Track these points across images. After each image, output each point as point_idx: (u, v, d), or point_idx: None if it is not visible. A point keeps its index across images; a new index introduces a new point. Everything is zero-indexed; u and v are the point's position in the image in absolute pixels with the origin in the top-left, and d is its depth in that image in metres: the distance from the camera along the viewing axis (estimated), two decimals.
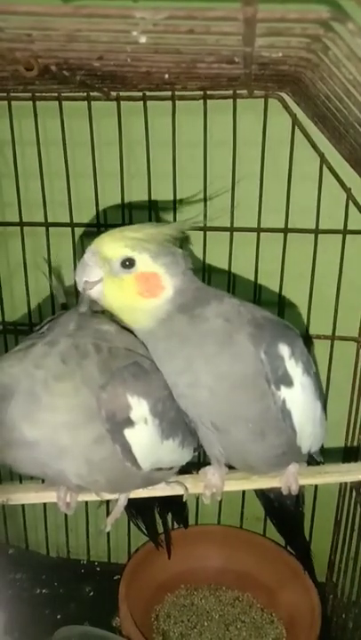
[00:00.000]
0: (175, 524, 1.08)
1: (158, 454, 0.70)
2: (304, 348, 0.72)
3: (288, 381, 0.67)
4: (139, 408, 0.65)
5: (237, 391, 0.66)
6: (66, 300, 0.87)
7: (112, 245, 0.65)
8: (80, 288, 0.67)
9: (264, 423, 0.68)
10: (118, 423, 0.64)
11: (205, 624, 1.12)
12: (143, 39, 0.48)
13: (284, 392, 0.67)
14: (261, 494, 0.94)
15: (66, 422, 0.63)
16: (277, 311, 1.03)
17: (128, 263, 0.64)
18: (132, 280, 0.65)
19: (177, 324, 0.66)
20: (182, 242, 0.71)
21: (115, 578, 1.17)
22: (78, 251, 1.06)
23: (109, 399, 0.63)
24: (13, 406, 0.61)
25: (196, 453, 0.81)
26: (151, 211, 1.02)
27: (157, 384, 0.68)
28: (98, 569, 1.32)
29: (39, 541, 1.33)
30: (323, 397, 0.77)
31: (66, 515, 1.08)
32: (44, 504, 1.14)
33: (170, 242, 0.67)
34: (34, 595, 1.25)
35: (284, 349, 0.67)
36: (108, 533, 1.24)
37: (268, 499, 0.93)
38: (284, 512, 0.93)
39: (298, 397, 0.69)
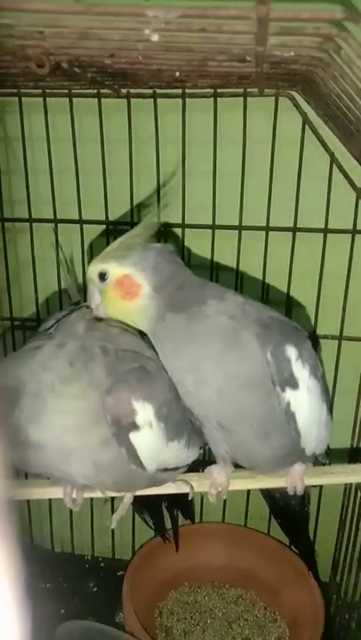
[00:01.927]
0: (182, 519, 1.08)
1: (164, 456, 0.70)
2: (312, 350, 0.71)
3: (294, 383, 0.67)
4: (144, 412, 0.65)
5: (244, 391, 0.66)
6: (79, 298, 0.87)
7: (92, 268, 0.71)
8: (95, 314, 0.73)
9: (269, 424, 0.68)
10: (124, 427, 0.64)
11: (208, 621, 1.13)
12: (155, 37, 0.48)
13: (288, 394, 0.67)
14: (267, 494, 0.94)
15: (73, 425, 0.63)
16: (285, 310, 1.02)
17: (102, 276, 0.70)
18: (110, 288, 0.70)
19: (174, 323, 0.67)
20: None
21: (119, 574, 1.18)
22: (87, 248, 1.06)
23: (115, 404, 0.63)
24: (20, 409, 0.62)
25: (202, 451, 0.81)
26: (160, 208, 1.02)
27: (162, 387, 0.68)
28: (102, 564, 1.33)
29: (44, 536, 1.33)
30: (329, 400, 0.77)
31: (71, 510, 1.09)
32: (50, 499, 1.15)
33: (143, 243, 0.71)
34: (38, 589, 1.25)
35: (291, 351, 0.67)
36: (113, 529, 1.25)
37: (274, 498, 0.93)
38: (290, 512, 0.93)
39: (303, 400, 0.68)
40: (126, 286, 0.68)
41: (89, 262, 0.74)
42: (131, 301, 0.69)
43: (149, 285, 0.68)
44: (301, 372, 0.68)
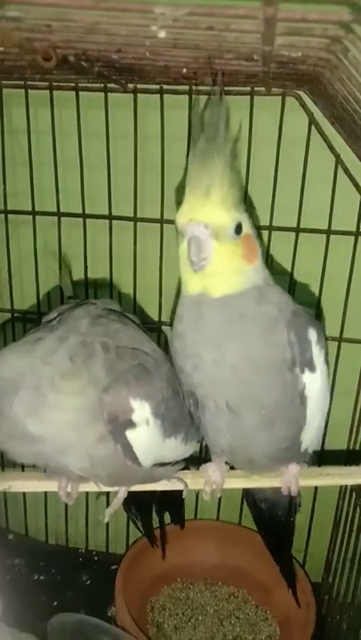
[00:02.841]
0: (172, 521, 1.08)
1: (160, 452, 0.71)
2: (325, 341, 0.73)
3: (312, 366, 0.68)
4: (141, 410, 0.65)
5: (261, 376, 0.66)
6: (73, 293, 0.86)
7: (224, 212, 0.61)
8: (197, 267, 0.63)
9: (277, 411, 0.68)
10: (120, 425, 0.64)
11: (200, 618, 1.13)
12: (162, 34, 0.48)
13: (306, 376, 0.68)
14: (253, 504, 0.93)
15: (71, 422, 0.63)
16: None
17: (239, 229, 0.63)
18: (240, 243, 0.63)
19: (246, 301, 0.65)
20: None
21: (112, 568, 1.18)
22: (89, 242, 1.06)
23: (112, 402, 0.63)
24: (18, 401, 0.61)
25: (198, 449, 0.81)
26: (163, 204, 1.02)
27: (161, 385, 0.68)
28: (96, 558, 1.33)
29: (39, 528, 1.34)
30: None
31: (66, 503, 1.09)
32: (45, 492, 1.15)
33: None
34: (31, 580, 1.26)
35: (312, 334, 0.68)
36: (107, 523, 1.25)
37: (260, 509, 0.92)
38: (275, 522, 0.92)
39: (317, 384, 0.70)
40: (251, 247, 0.64)
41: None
42: (247, 264, 0.64)
43: (260, 255, 0.67)
44: (319, 356, 0.69)
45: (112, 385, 0.63)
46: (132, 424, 0.64)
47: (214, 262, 0.63)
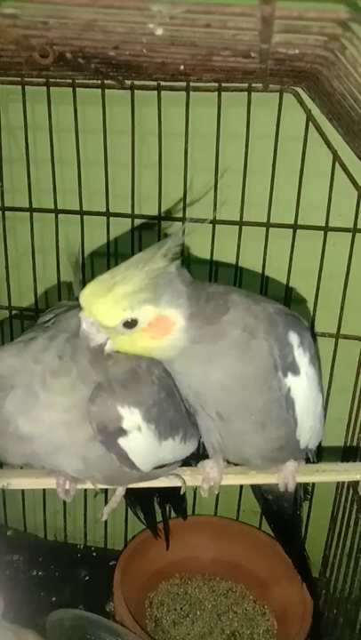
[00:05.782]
0: (174, 514, 1.08)
1: (158, 455, 0.70)
2: (312, 341, 0.72)
3: (295, 369, 0.68)
4: (131, 417, 0.64)
5: (248, 386, 0.66)
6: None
7: (108, 314, 0.60)
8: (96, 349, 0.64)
9: (266, 415, 0.68)
10: (111, 434, 0.63)
11: (198, 613, 1.14)
12: (160, 31, 0.48)
13: (290, 380, 0.67)
14: (260, 496, 0.94)
15: (62, 421, 0.62)
16: None
17: (131, 322, 0.60)
18: (140, 333, 0.61)
19: (198, 348, 0.63)
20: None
21: (110, 563, 1.19)
22: (87, 238, 1.06)
23: (98, 411, 0.62)
24: (10, 399, 0.61)
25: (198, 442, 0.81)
26: (161, 201, 1.02)
27: (151, 389, 0.67)
28: (94, 554, 1.34)
29: (37, 524, 1.34)
30: (323, 394, 0.77)
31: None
32: (44, 488, 1.15)
33: (164, 272, 0.61)
34: (30, 576, 1.26)
35: (293, 337, 0.67)
36: (106, 520, 1.25)
37: (267, 501, 0.92)
38: (282, 515, 0.92)
39: (303, 386, 0.69)
40: (161, 327, 0.61)
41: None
42: (160, 339, 0.62)
43: (184, 318, 0.62)
44: (302, 358, 0.68)
45: (98, 394, 0.62)
46: (123, 432, 0.64)
47: (119, 349, 0.63)
